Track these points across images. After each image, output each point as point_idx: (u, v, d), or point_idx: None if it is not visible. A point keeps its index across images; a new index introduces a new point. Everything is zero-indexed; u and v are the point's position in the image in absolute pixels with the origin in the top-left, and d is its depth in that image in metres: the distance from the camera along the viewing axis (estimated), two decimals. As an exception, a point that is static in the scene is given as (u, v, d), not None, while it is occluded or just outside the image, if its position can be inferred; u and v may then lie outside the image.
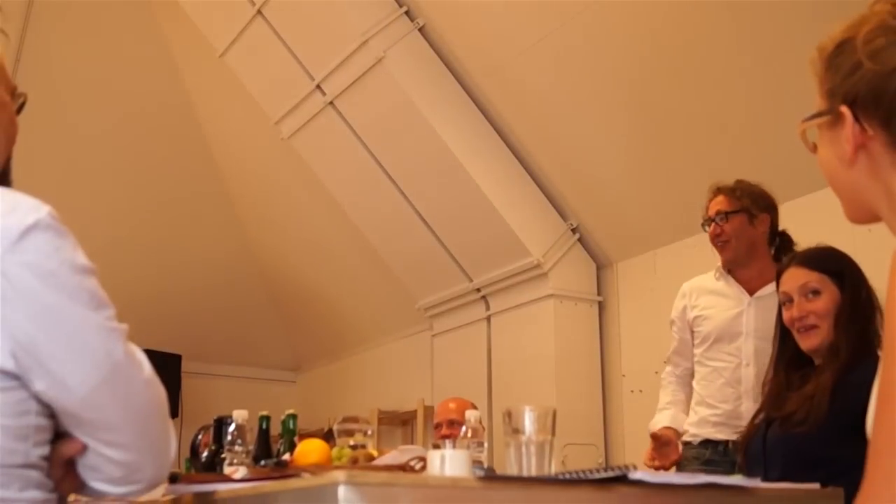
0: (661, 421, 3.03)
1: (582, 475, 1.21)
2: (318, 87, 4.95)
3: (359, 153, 5.02)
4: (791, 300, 2.15)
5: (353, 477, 1.07)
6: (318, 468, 1.49)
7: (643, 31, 3.86)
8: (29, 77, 4.73)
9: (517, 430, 1.34)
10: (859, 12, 1.00)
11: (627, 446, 4.51)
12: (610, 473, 1.21)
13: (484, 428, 1.93)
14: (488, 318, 5.13)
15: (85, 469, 1.14)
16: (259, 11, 4.88)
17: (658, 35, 3.82)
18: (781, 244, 2.92)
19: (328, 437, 2.17)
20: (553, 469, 1.34)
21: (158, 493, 1.43)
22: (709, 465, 2.80)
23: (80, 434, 1.11)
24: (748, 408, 2.73)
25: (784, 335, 2.19)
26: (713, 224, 2.93)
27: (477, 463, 1.67)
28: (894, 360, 0.88)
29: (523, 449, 1.33)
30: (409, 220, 5.12)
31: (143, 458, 1.14)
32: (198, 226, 6.59)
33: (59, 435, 1.13)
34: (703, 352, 2.97)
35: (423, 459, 1.44)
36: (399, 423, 6.09)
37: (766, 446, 2.07)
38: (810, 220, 2.90)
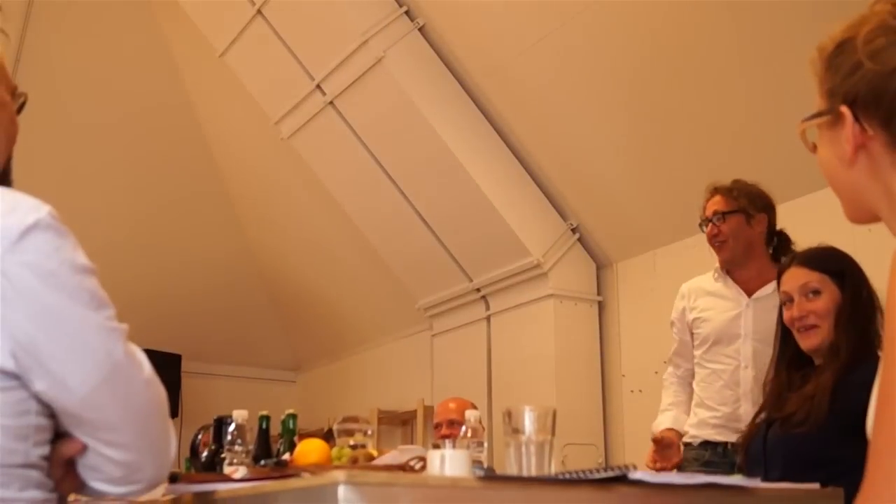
0: (663, 422, 3.03)
1: (582, 475, 1.21)
2: (318, 86, 4.95)
3: (359, 153, 5.02)
4: (791, 300, 2.15)
5: (353, 477, 1.07)
6: (317, 468, 1.49)
7: (643, 31, 3.86)
8: (29, 77, 4.73)
9: (517, 430, 1.34)
10: (859, 12, 1.00)
11: (627, 446, 4.51)
12: (610, 473, 1.20)
13: (484, 428, 1.93)
14: (488, 318, 5.13)
15: (85, 469, 1.14)
16: (259, 11, 4.88)
17: (658, 35, 3.82)
18: (779, 244, 2.92)
19: (328, 437, 2.17)
20: (553, 469, 1.34)
21: (158, 492, 1.43)
22: (708, 467, 2.80)
23: (80, 434, 1.11)
24: (747, 410, 2.74)
25: (785, 335, 2.19)
26: (710, 224, 2.93)
27: (477, 463, 1.67)
28: (894, 361, 0.88)
29: (523, 449, 1.33)
30: (409, 220, 5.12)
31: (143, 458, 1.14)
32: (198, 225, 6.59)
33: (59, 435, 1.13)
34: (702, 354, 2.97)
35: (422, 459, 1.44)
36: (399, 423, 6.09)
37: (766, 447, 2.07)
38: (810, 220, 2.90)
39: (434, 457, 1.25)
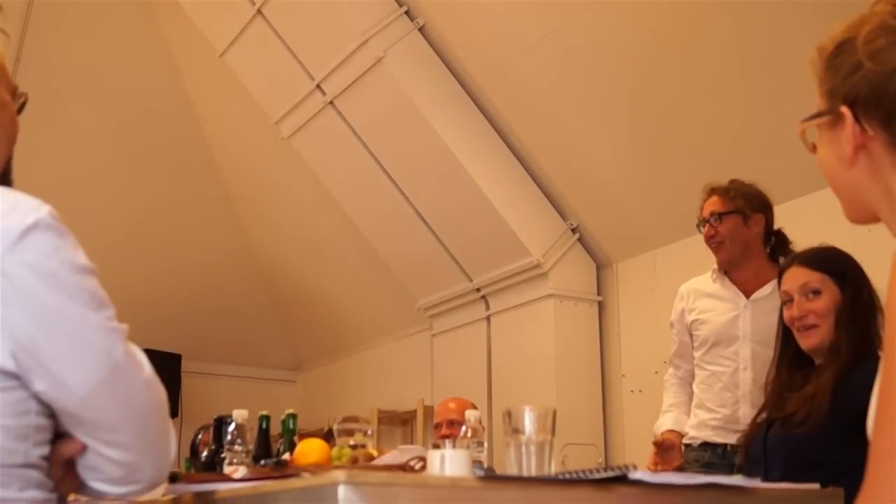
0: (664, 424, 3.04)
1: (582, 475, 1.21)
2: (318, 86, 4.95)
3: (359, 153, 5.02)
4: (792, 299, 2.16)
5: (353, 477, 1.07)
6: (317, 468, 1.49)
7: (643, 31, 3.86)
8: (29, 77, 4.73)
9: (517, 430, 1.34)
10: (859, 12, 1.00)
11: (627, 446, 4.51)
12: (610, 473, 1.21)
13: (484, 428, 1.93)
14: (488, 318, 5.13)
15: (85, 469, 1.14)
16: (259, 11, 4.88)
17: (658, 35, 3.82)
18: (777, 243, 2.92)
19: (328, 436, 2.17)
20: (553, 469, 1.34)
21: (158, 492, 1.43)
22: (708, 468, 2.80)
23: (80, 434, 1.11)
24: (746, 412, 2.74)
25: (786, 335, 2.19)
26: (707, 225, 2.92)
27: (477, 463, 1.67)
28: (895, 361, 0.88)
29: (523, 449, 1.33)
30: (409, 220, 5.12)
31: (143, 458, 1.14)
32: (198, 226, 6.59)
33: (59, 435, 1.13)
34: (701, 355, 2.96)
35: (422, 459, 1.44)
36: (399, 422, 6.09)
37: (766, 446, 2.07)
38: (810, 220, 2.90)
39: (434, 457, 1.25)
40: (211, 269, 6.70)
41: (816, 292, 2.12)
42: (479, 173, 4.68)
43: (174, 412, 5.80)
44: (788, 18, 3.35)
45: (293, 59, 4.96)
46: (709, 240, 2.93)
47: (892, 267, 0.91)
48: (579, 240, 4.81)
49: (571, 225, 4.79)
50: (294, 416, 2.39)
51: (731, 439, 2.75)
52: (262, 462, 2.14)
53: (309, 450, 1.94)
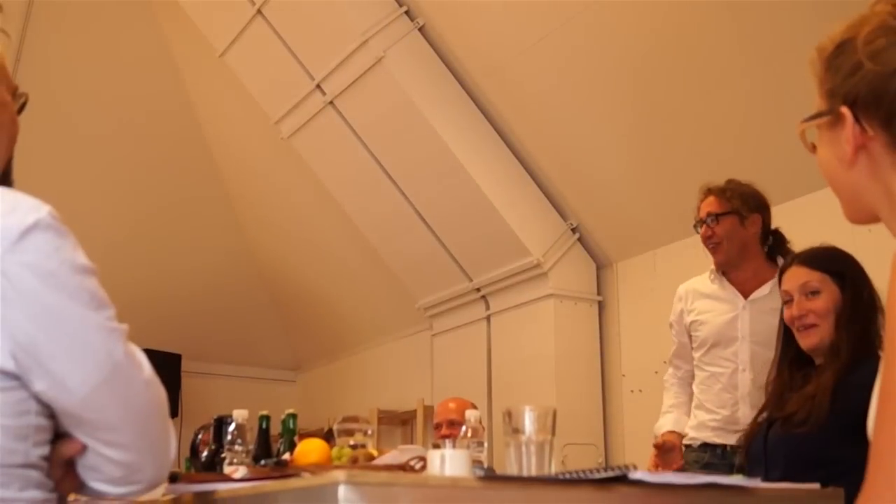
0: (664, 425, 3.04)
1: (582, 475, 1.21)
2: (318, 86, 4.95)
3: (359, 153, 5.02)
4: (792, 299, 2.16)
5: (353, 476, 1.07)
6: (317, 468, 1.49)
7: (643, 31, 3.86)
8: (29, 77, 4.73)
9: (517, 430, 1.34)
10: (859, 12, 1.00)
11: (627, 446, 4.51)
12: (610, 473, 1.20)
13: (484, 428, 1.93)
14: (488, 318, 5.13)
15: (85, 469, 1.14)
16: (259, 11, 4.88)
17: (658, 35, 3.82)
18: (775, 243, 2.91)
19: (328, 436, 2.17)
20: (553, 469, 1.34)
21: (158, 492, 1.43)
22: (708, 469, 2.79)
23: (79, 434, 1.11)
24: (745, 413, 2.74)
25: (787, 335, 2.19)
26: (704, 226, 2.92)
27: (477, 463, 1.67)
28: (895, 361, 0.88)
29: (523, 449, 1.33)
30: (409, 220, 5.12)
31: (143, 458, 1.14)
32: (198, 226, 6.59)
33: (59, 435, 1.13)
34: (700, 356, 2.96)
35: (423, 459, 1.44)
36: (399, 422, 6.09)
37: (767, 446, 2.08)
38: (810, 220, 2.90)
39: (434, 457, 1.25)
40: (211, 269, 6.70)
41: (816, 292, 2.12)
42: (479, 173, 4.68)
43: (174, 412, 5.80)
44: (789, 18, 3.35)
45: (293, 59, 4.96)
46: (706, 240, 2.93)
47: (892, 267, 0.91)
48: (579, 240, 4.81)
49: (571, 225, 4.79)
50: (294, 416, 2.39)
51: (731, 440, 2.75)
52: (263, 462, 2.14)
53: (309, 450, 1.94)
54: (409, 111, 4.65)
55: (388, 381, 6.22)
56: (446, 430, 3.55)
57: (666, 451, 2.90)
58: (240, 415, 2.07)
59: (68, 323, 1.06)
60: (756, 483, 1.41)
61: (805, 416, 1.97)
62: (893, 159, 0.96)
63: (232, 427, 2.05)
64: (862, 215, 1.03)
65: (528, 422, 1.34)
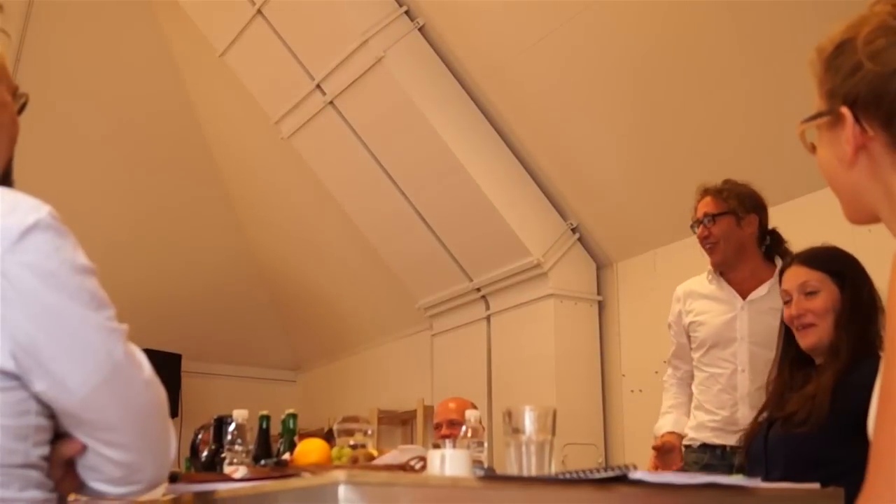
0: (664, 426, 3.04)
1: (582, 475, 1.21)
2: (318, 86, 4.95)
3: (359, 153, 5.02)
4: (791, 299, 2.16)
5: (354, 476, 1.07)
6: (318, 468, 1.49)
7: (643, 31, 3.86)
8: (29, 77, 4.73)
9: (517, 430, 1.34)
10: (859, 13, 1.00)
11: (627, 446, 4.51)
12: (610, 473, 1.21)
13: (484, 428, 1.93)
14: (488, 318, 5.13)
15: (85, 469, 1.14)
16: (259, 11, 4.88)
17: (658, 35, 3.82)
18: (772, 243, 2.91)
19: (328, 436, 2.17)
20: (553, 469, 1.34)
21: (159, 492, 1.43)
22: (708, 469, 2.79)
23: (79, 434, 1.11)
24: (745, 414, 2.74)
25: (788, 335, 2.19)
26: (701, 226, 2.92)
27: (477, 463, 1.67)
28: (895, 361, 0.88)
29: (523, 449, 1.33)
30: (409, 220, 5.12)
31: (143, 458, 1.14)
32: (198, 226, 6.59)
33: (59, 435, 1.13)
34: (699, 357, 2.96)
35: (423, 459, 1.44)
36: (399, 422, 6.09)
37: (767, 447, 2.08)
38: (811, 220, 2.90)
39: (434, 457, 1.25)
40: (211, 269, 6.70)
41: (814, 292, 2.12)
42: (479, 173, 4.68)
43: (174, 412, 5.80)
44: (789, 19, 3.35)
45: (293, 59, 4.96)
46: (702, 241, 2.93)
47: (892, 267, 0.91)
48: (579, 240, 4.81)
49: (571, 225, 4.79)
50: (294, 416, 2.39)
51: (731, 441, 2.75)
52: (263, 462, 2.14)
53: (309, 450, 1.94)
54: (409, 111, 4.65)
55: (388, 381, 6.22)
56: (446, 430, 3.55)
57: (665, 453, 2.90)
58: (240, 415, 2.07)
59: (68, 323, 1.06)
60: (756, 483, 1.41)
61: (805, 417, 1.97)
62: (893, 159, 0.96)
63: (232, 427, 2.05)
64: (862, 215, 1.03)
65: (529, 422, 1.34)
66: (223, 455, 2.06)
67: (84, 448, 1.12)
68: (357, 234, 5.61)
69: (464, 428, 1.91)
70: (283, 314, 7.16)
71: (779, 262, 2.85)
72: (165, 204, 6.37)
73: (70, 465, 1.14)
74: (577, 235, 4.80)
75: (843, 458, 1.66)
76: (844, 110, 0.98)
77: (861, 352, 2.00)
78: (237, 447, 2.02)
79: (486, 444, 1.88)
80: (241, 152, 6.32)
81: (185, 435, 2.66)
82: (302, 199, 6.08)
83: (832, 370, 2.01)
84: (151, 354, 1.22)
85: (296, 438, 2.31)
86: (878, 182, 0.98)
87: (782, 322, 2.22)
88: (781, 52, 3.42)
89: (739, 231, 2.87)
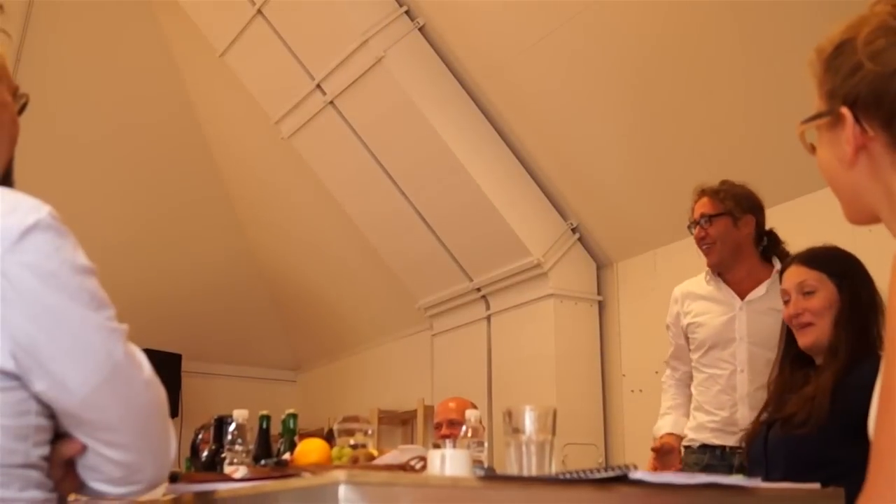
0: (663, 427, 3.03)
1: (582, 475, 1.21)
2: (319, 86, 4.95)
3: (359, 153, 5.02)
4: (790, 298, 2.17)
5: (354, 476, 1.07)
6: (318, 468, 1.49)
7: (643, 31, 3.86)
8: (29, 77, 4.73)
9: (517, 430, 1.34)
10: (859, 13, 1.00)
11: (627, 446, 4.51)
12: (610, 473, 1.20)
13: (484, 427, 1.93)
14: (488, 318, 5.13)
15: (85, 469, 1.14)
16: (259, 11, 4.88)
17: (658, 35, 3.82)
18: (769, 244, 2.91)
19: (328, 436, 2.17)
20: (553, 469, 1.34)
21: (159, 492, 1.43)
22: (708, 470, 2.79)
23: (79, 434, 1.11)
24: (744, 414, 2.74)
25: (789, 334, 2.20)
26: (698, 227, 2.92)
27: (477, 463, 1.67)
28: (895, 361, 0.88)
29: (523, 448, 1.33)
30: (409, 220, 5.11)
31: (143, 458, 1.14)
32: (198, 226, 6.59)
33: (59, 435, 1.13)
34: (698, 358, 2.95)
35: (423, 459, 1.44)
36: (399, 422, 6.09)
37: (767, 448, 2.08)
38: (811, 220, 2.90)
39: (434, 456, 1.25)
40: (211, 269, 6.70)
41: (812, 291, 2.12)
42: (479, 173, 4.67)
43: (174, 412, 5.80)
44: (790, 19, 3.35)
45: (293, 59, 4.96)
46: (699, 241, 2.93)
47: (892, 267, 0.91)
48: (579, 239, 4.81)
49: (571, 225, 4.79)
50: (294, 416, 2.39)
51: (730, 441, 2.75)
52: (263, 462, 2.14)
53: (309, 449, 1.94)
54: (409, 111, 4.65)
55: (388, 381, 6.22)
56: (446, 429, 3.55)
57: (664, 454, 2.90)
58: (240, 415, 2.07)
59: (68, 323, 1.06)
60: (756, 483, 1.41)
61: (805, 418, 1.97)
62: (894, 159, 0.96)
63: (232, 427, 2.05)
64: (862, 216, 1.03)
65: (529, 421, 1.34)
66: (223, 455, 2.06)
67: (84, 448, 1.12)
68: (357, 234, 5.61)
69: (464, 428, 1.92)
70: (283, 314, 7.16)
71: (776, 263, 2.85)
72: (165, 204, 6.37)
73: (70, 465, 1.14)
74: (577, 235, 4.80)
75: (844, 458, 1.66)
76: (844, 111, 0.98)
77: (860, 352, 2.00)
78: (237, 447, 2.02)
79: (486, 444, 1.88)
80: (241, 152, 6.32)
81: (185, 435, 2.66)
82: (302, 199, 6.08)
83: (831, 370, 2.01)
84: (151, 354, 1.22)
85: (296, 438, 2.31)
86: (879, 182, 0.98)
87: (784, 322, 2.23)
88: (782, 53, 3.42)
89: (736, 232, 2.87)
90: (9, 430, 1.06)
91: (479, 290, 5.15)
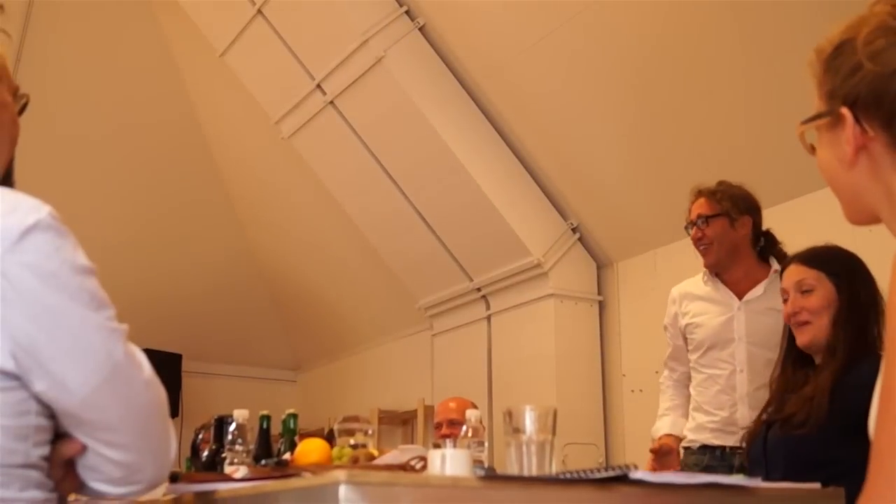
0: (661, 428, 3.03)
1: (582, 475, 1.21)
2: (319, 86, 4.95)
3: (359, 153, 5.02)
4: (788, 297, 2.17)
5: (354, 476, 1.07)
6: (318, 468, 1.49)
7: (643, 31, 3.85)
8: (29, 77, 4.73)
9: (518, 430, 1.34)
10: (859, 13, 1.00)
11: (627, 446, 4.51)
12: (610, 473, 1.21)
13: (484, 427, 1.93)
14: (488, 318, 5.13)
15: (85, 469, 1.14)
16: (259, 11, 4.88)
17: (659, 35, 3.82)
18: (766, 244, 2.91)
19: (329, 436, 2.18)
20: (553, 469, 1.34)
21: (159, 492, 1.43)
22: (708, 471, 2.79)
23: (79, 434, 1.11)
24: (744, 414, 2.74)
25: (791, 334, 2.20)
26: (694, 228, 2.92)
27: (477, 462, 1.67)
28: (895, 361, 0.88)
29: (524, 448, 1.33)
30: (410, 220, 5.11)
31: (144, 458, 1.14)
32: (198, 226, 6.59)
33: (59, 435, 1.13)
34: (697, 358, 2.95)
35: (423, 459, 1.44)
36: (399, 422, 6.09)
37: (766, 448, 2.08)
38: (811, 220, 2.90)
39: (435, 456, 1.25)
40: (211, 269, 6.70)
41: (810, 290, 2.13)
42: (479, 173, 4.67)
43: (174, 412, 5.80)
44: (790, 19, 3.35)
45: (293, 59, 4.96)
46: (696, 242, 2.93)
47: (892, 267, 0.91)
48: (580, 239, 4.81)
49: (572, 224, 4.79)
50: (294, 416, 2.39)
51: (730, 441, 2.75)
52: (263, 462, 2.14)
53: (309, 449, 1.94)
54: (409, 111, 4.65)
55: (388, 381, 6.22)
56: (447, 429, 3.55)
57: (663, 455, 2.89)
58: (240, 415, 2.07)
59: (69, 323, 1.06)
60: (756, 483, 1.41)
61: (804, 418, 1.97)
62: (894, 160, 0.96)
63: (232, 427, 2.05)
64: (862, 216, 1.03)
65: (529, 421, 1.34)
66: (224, 455, 2.06)
67: (84, 448, 1.12)
68: (357, 234, 5.61)
69: (464, 428, 1.92)
70: (283, 314, 7.16)
71: (773, 263, 2.85)
72: (165, 204, 6.37)
73: (70, 465, 1.14)
74: (577, 235, 4.80)
75: (844, 458, 1.66)
76: (844, 111, 0.98)
77: (859, 351, 2.01)
78: (238, 447, 2.02)
79: (486, 444, 1.88)
80: (241, 152, 6.32)
81: (185, 435, 2.67)
82: (302, 199, 6.08)
83: (829, 370, 2.01)
84: (151, 354, 1.22)
85: (296, 438, 2.31)
86: (879, 182, 0.98)
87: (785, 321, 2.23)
88: (782, 53, 3.42)
89: (733, 232, 2.87)
90: (9, 430, 1.06)
91: (479, 290, 5.15)
